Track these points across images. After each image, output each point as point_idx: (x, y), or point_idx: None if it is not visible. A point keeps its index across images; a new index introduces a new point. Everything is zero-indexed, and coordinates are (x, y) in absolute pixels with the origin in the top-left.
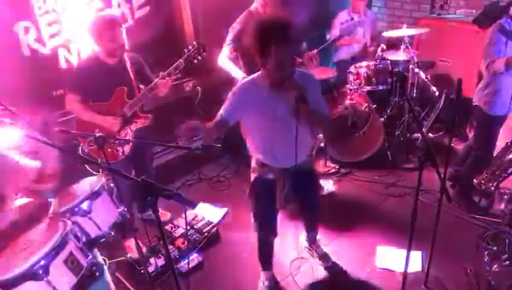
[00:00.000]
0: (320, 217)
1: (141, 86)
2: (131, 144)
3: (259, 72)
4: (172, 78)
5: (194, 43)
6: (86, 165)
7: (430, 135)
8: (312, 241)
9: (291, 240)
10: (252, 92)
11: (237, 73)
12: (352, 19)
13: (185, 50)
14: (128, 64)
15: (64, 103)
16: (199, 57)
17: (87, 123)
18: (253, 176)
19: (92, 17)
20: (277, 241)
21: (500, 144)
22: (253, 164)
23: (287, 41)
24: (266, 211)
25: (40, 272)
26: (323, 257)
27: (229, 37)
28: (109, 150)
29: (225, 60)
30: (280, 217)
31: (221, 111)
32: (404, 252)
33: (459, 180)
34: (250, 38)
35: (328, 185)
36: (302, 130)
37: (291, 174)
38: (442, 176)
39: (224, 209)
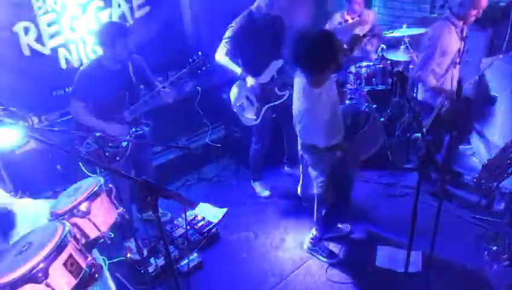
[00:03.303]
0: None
1: (141, 87)
2: (130, 145)
3: (304, 82)
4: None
5: (199, 53)
6: (83, 167)
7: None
8: None
9: (292, 239)
10: (326, 91)
11: (236, 68)
12: (346, 21)
13: (190, 60)
14: (130, 68)
15: (71, 111)
16: (203, 68)
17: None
18: (326, 164)
19: (102, 24)
20: (279, 240)
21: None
22: (319, 158)
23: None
24: (346, 185)
25: (40, 275)
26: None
27: (228, 34)
28: (107, 154)
29: (223, 57)
30: (283, 217)
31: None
32: (404, 252)
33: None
34: (319, 56)
35: None
36: None
37: None
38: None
39: (224, 209)
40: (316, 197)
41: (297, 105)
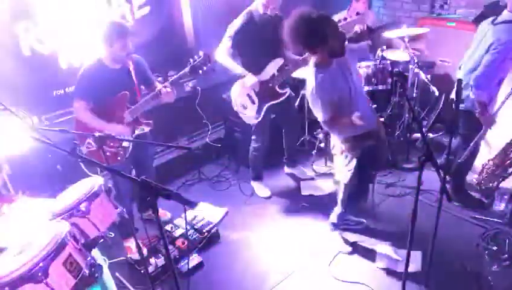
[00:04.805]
0: (321, 217)
1: (142, 87)
2: (131, 145)
3: (311, 64)
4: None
5: (201, 53)
6: (84, 167)
7: (430, 135)
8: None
9: (292, 239)
10: (331, 76)
11: (237, 68)
12: (345, 19)
13: (191, 59)
14: (131, 68)
15: (74, 110)
16: (204, 68)
17: (87, 124)
18: (353, 155)
19: (103, 24)
20: (278, 240)
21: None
22: (346, 146)
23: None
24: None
25: (39, 274)
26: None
27: (228, 33)
28: (108, 153)
29: (224, 56)
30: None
31: (328, 114)
32: (404, 252)
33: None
34: (305, 34)
35: (328, 185)
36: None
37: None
38: (442, 176)
39: (224, 209)
40: (343, 184)
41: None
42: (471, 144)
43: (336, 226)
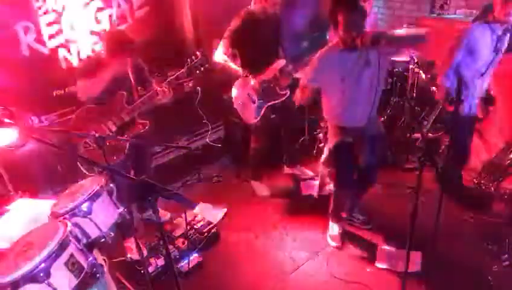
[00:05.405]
0: (321, 217)
1: (139, 88)
2: (129, 144)
3: (333, 43)
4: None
5: (198, 53)
6: (81, 167)
7: (430, 134)
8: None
9: (292, 239)
10: (339, 57)
11: (237, 69)
12: None
13: (188, 60)
14: (129, 69)
15: (76, 94)
16: (202, 68)
17: (84, 124)
18: (333, 141)
19: (109, 31)
20: (279, 240)
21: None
22: (331, 131)
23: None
24: (347, 172)
25: (41, 274)
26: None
27: (226, 34)
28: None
29: (223, 57)
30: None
31: (304, 79)
32: (404, 252)
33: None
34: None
35: (328, 185)
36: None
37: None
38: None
39: (224, 209)
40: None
41: None
42: (449, 137)
43: (335, 224)
